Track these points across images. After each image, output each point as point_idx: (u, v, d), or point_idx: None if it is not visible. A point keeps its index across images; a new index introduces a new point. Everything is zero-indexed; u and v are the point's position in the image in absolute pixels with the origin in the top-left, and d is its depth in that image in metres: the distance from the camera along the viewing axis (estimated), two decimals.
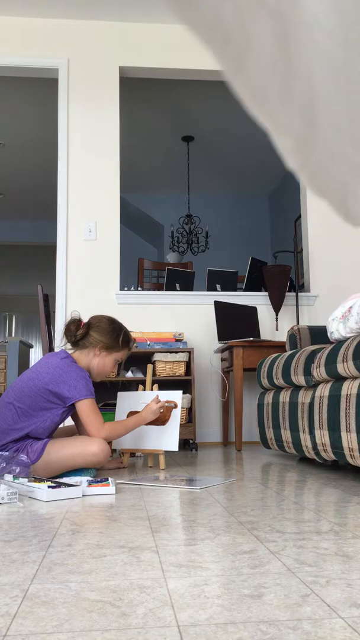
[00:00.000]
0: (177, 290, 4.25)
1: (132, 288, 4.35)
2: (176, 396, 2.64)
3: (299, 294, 4.19)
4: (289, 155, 0.39)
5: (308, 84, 0.35)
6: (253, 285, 4.32)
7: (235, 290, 4.32)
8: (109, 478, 2.01)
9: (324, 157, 0.39)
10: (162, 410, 2.59)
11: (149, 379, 2.80)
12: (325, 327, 3.22)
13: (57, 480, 2.06)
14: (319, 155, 0.39)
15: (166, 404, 2.60)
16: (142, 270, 5.53)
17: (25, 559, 1.13)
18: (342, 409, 2.17)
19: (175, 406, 2.61)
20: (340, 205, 0.43)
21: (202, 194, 7.50)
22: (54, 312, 4.06)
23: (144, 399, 2.68)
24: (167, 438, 2.59)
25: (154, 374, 3.51)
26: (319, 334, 3.24)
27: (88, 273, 4.07)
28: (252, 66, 0.34)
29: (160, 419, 2.62)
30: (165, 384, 3.67)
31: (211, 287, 4.29)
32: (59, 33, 4.25)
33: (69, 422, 2.87)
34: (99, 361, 2.54)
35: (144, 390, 2.79)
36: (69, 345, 2.57)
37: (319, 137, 0.38)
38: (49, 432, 2.39)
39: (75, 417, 2.53)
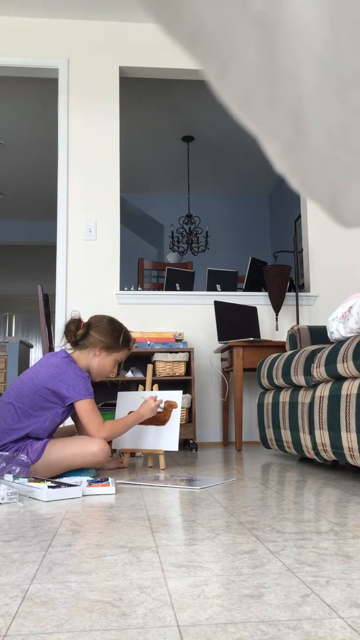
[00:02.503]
0: (177, 290, 4.25)
1: (132, 288, 4.35)
2: (176, 396, 2.64)
3: (299, 294, 4.19)
4: (278, 159, 0.39)
5: (295, 87, 0.35)
6: (253, 285, 4.32)
7: (235, 290, 4.32)
8: (109, 478, 2.01)
9: (314, 160, 0.39)
10: (160, 409, 2.59)
11: (149, 379, 2.80)
12: (325, 327, 3.22)
13: (57, 480, 2.06)
14: (308, 158, 0.39)
15: (165, 404, 2.60)
16: (142, 270, 5.53)
17: (25, 559, 1.13)
18: (342, 409, 2.17)
19: (175, 406, 2.61)
20: (331, 207, 0.43)
21: (202, 194, 7.50)
22: (54, 312, 4.06)
23: (144, 397, 2.68)
24: (167, 438, 2.59)
25: (154, 374, 3.51)
26: (319, 334, 3.24)
27: (88, 273, 4.07)
28: (236, 71, 0.34)
29: (161, 419, 2.62)
30: (165, 384, 3.67)
31: (211, 287, 4.29)
32: (59, 33, 4.25)
33: (69, 422, 2.86)
34: (99, 361, 2.54)
35: (144, 390, 2.79)
36: (68, 345, 2.57)
37: (307, 140, 0.38)
38: (49, 432, 2.39)
39: (75, 417, 2.53)
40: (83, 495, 1.90)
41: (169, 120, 5.80)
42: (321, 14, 0.33)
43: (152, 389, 2.78)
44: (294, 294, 4.20)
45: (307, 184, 0.41)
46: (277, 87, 0.35)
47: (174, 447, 2.56)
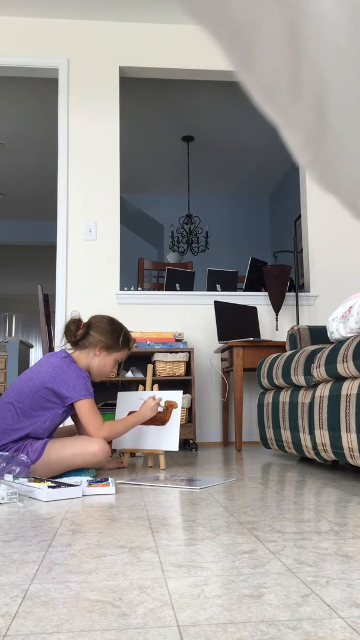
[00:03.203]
0: (177, 290, 4.25)
1: (132, 288, 4.35)
2: (176, 396, 2.64)
3: (299, 294, 4.19)
4: (299, 150, 0.39)
5: (318, 78, 0.35)
6: (253, 285, 4.32)
7: (235, 290, 4.32)
8: (109, 478, 2.01)
9: (335, 152, 0.39)
10: (160, 409, 2.59)
11: (149, 379, 2.81)
12: (325, 327, 3.22)
13: (57, 480, 2.06)
14: (330, 151, 0.39)
15: (166, 404, 2.60)
16: (142, 270, 5.53)
17: (25, 559, 1.13)
18: (342, 409, 2.17)
19: (176, 406, 2.61)
20: (350, 201, 0.43)
21: (202, 194, 7.50)
22: (54, 312, 4.06)
23: (144, 398, 2.68)
24: (167, 438, 2.59)
25: (154, 374, 3.51)
26: (319, 334, 3.24)
27: (88, 273, 4.07)
28: (261, 60, 0.34)
29: (161, 419, 2.62)
30: (165, 384, 3.67)
31: (211, 287, 4.29)
32: (59, 33, 4.25)
33: (69, 422, 2.86)
34: (99, 361, 2.54)
35: (144, 390, 2.79)
36: (68, 345, 2.57)
37: (329, 133, 0.38)
38: (49, 433, 2.39)
39: (75, 417, 2.53)
40: (83, 495, 1.90)
41: (169, 120, 5.80)
42: (342, 5, 0.33)
43: (152, 389, 2.78)
44: (294, 294, 4.20)
45: (328, 178, 0.41)
46: (300, 76, 0.35)
47: (174, 447, 2.56)
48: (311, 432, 2.49)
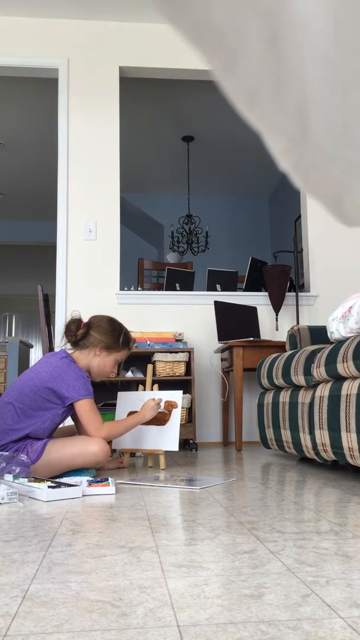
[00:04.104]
0: (177, 290, 4.25)
1: (132, 288, 4.35)
2: (177, 396, 2.64)
3: (299, 294, 4.19)
4: (282, 155, 0.39)
5: (301, 84, 0.35)
6: (253, 285, 4.32)
7: (235, 290, 4.32)
8: (109, 478, 2.01)
9: (318, 157, 0.39)
10: (161, 409, 2.59)
11: (149, 379, 2.81)
12: (325, 327, 3.22)
13: (57, 480, 2.06)
14: (313, 156, 0.39)
15: (166, 404, 2.60)
16: (142, 270, 5.53)
17: (25, 559, 1.13)
18: (342, 409, 2.17)
19: (176, 406, 2.61)
20: (334, 205, 0.43)
21: (202, 194, 7.50)
22: (54, 312, 4.06)
23: (143, 398, 2.68)
24: (168, 438, 2.59)
25: (154, 374, 3.51)
26: (319, 334, 3.24)
27: (88, 273, 4.07)
28: (244, 67, 0.34)
29: (161, 419, 2.62)
30: (165, 384, 3.67)
31: (211, 287, 4.29)
32: (59, 33, 4.25)
33: (69, 422, 2.87)
34: (99, 361, 2.54)
35: (144, 390, 2.79)
36: (68, 345, 2.57)
37: (312, 138, 0.38)
38: (48, 433, 2.39)
39: (75, 417, 2.53)
40: (83, 495, 1.90)
41: (169, 120, 5.80)
42: (326, 11, 0.33)
43: (152, 389, 2.78)
44: (294, 294, 4.20)
45: (311, 182, 0.41)
46: (282, 82, 0.35)
47: (175, 447, 2.56)
48: (311, 432, 2.49)
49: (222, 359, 4.00)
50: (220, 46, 0.33)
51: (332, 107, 0.37)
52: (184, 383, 3.74)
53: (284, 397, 2.84)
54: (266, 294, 4.16)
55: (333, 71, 0.35)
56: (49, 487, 1.85)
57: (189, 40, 0.33)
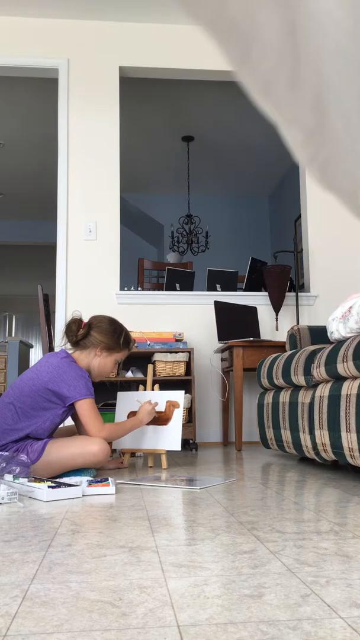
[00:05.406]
0: (177, 290, 4.25)
1: (132, 288, 4.35)
2: (178, 396, 2.64)
3: (299, 294, 4.19)
4: (298, 148, 0.39)
5: (318, 75, 0.35)
6: (253, 285, 4.32)
7: (235, 290, 4.32)
8: (109, 478, 2.01)
9: (334, 150, 0.38)
10: (161, 409, 2.59)
11: (149, 379, 2.81)
12: (325, 327, 3.22)
13: (57, 480, 2.06)
14: (329, 148, 0.38)
15: (167, 404, 2.60)
16: (142, 270, 5.53)
17: (25, 559, 1.13)
18: (342, 409, 2.17)
19: (177, 406, 2.61)
20: (350, 199, 0.42)
21: (202, 194, 7.50)
22: (54, 312, 4.06)
23: (141, 398, 2.68)
24: (170, 438, 2.59)
25: (154, 374, 3.51)
26: (319, 334, 3.24)
27: (88, 273, 4.07)
28: (259, 57, 0.33)
29: (163, 419, 2.62)
30: (166, 384, 3.67)
31: (211, 287, 4.29)
32: (59, 33, 4.25)
33: (69, 422, 2.86)
34: (100, 361, 2.55)
35: (145, 390, 2.79)
36: (69, 345, 2.57)
37: (329, 130, 0.37)
38: (49, 433, 2.39)
39: (75, 417, 2.53)
40: (83, 495, 1.90)
41: (169, 120, 5.80)
42: (342, 3, 0.33)
43: (152, 389, 2.78)
44: (294, 294, 4.20)
45: (327, 175, 0.40)
46: (299, 73, 0.34)
47: (177, 446, 2.56)
48: (311, 432, 2.49)
49: (222, 359, 4.00)
50: (236, 35, 0.32)
51: (349, 101, 0.36)
52: (184, 383, 3.74)
53: (284, 397, 2.84)
54: (266, 294, 4.16)
55: (350, 64, 0.35)
56: (49, 487, 1.85)
57: (205, 30, 0.32)
